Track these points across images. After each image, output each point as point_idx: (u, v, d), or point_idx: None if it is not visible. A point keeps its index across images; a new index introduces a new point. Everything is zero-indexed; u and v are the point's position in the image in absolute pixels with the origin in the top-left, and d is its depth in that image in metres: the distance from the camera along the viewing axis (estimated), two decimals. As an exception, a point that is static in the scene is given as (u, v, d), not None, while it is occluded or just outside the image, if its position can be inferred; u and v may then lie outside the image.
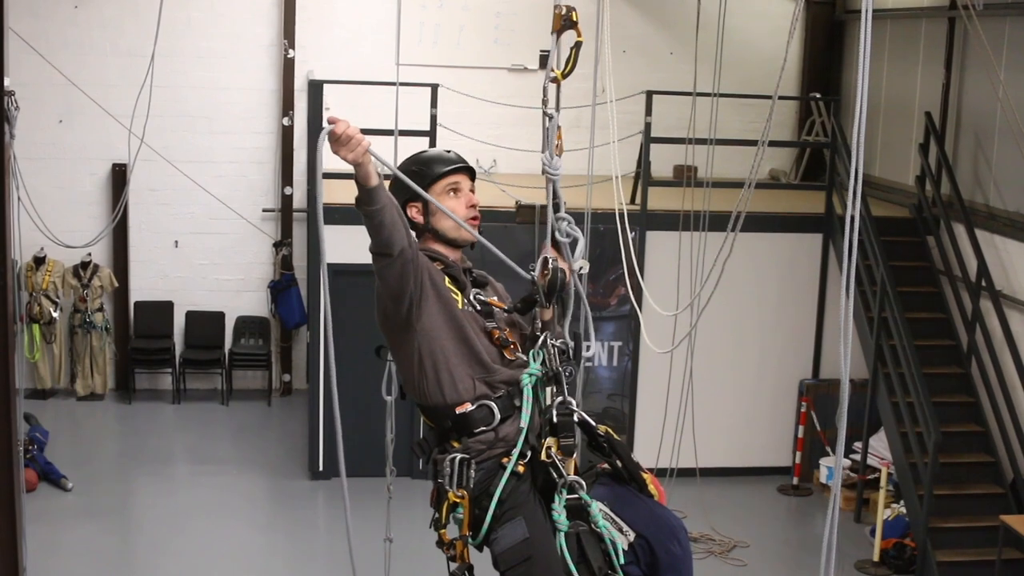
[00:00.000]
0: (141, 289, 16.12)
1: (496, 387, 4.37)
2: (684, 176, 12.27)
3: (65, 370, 15.87)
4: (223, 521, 11.97)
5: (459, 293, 4.54)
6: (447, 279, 4.54)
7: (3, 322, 9.25)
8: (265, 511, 12.60)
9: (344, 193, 13.52)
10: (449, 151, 4.79)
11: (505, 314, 4.61)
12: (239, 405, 15.94)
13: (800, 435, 13.55)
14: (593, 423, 4.48)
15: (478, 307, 4.55)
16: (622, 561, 4.22)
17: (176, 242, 16.13)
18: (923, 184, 13.33)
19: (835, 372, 13.66)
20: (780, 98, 9.44)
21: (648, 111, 13.15)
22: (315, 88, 13.31)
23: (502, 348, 4.50)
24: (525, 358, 4.47)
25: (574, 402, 4.40)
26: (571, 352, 4.50)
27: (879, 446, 12.57)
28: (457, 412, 4.32)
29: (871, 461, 12.55)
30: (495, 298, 4.69)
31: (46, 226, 10.61)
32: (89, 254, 15.23)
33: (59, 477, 12.58)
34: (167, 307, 16.15)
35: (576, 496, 4.21)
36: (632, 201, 13.11)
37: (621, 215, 10.22)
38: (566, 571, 4.13)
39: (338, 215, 12.87)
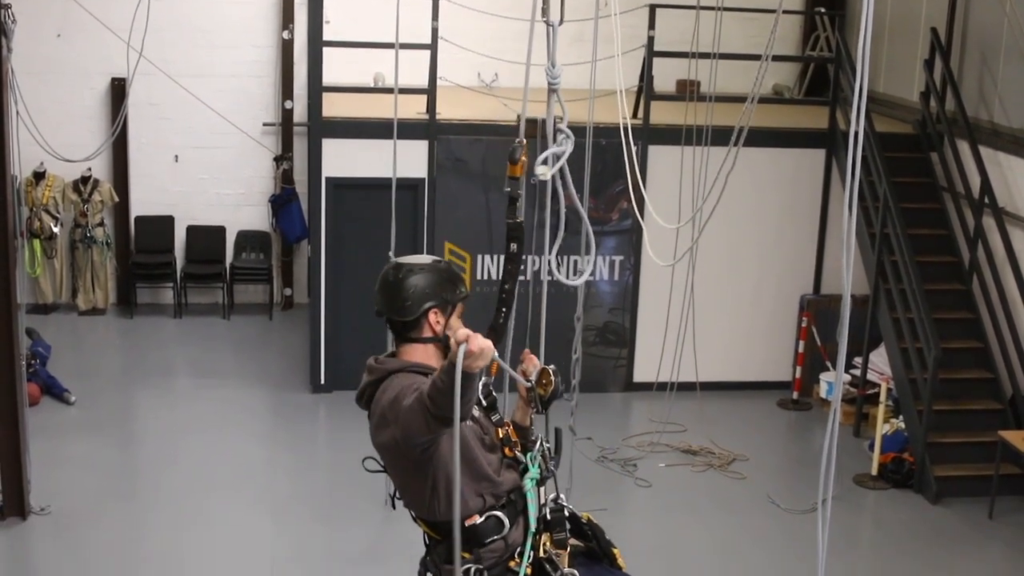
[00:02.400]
0: (141, 204, 16.09)
1: (500, 496, 4.39)
2: (687, 90, 12.19)
3: (66, 285, 15.88)
4: (225, 433, 12.04)
5: None
6: None
7: (3, 237, 9.27)
8: (266, 424, 12.66)
9: (344, 107, 13.49)
10: (457, 268, 4.66)
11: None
12: (240, 319, 15.98)
13: (800, 350, 13.59)
14: (578, 513, 4.60)
15: (477, 414, 4.49)
16: None
17: (176, 156, 16.06)
18: (927, 100, 13.23)
19: (836, 287, 13.67)
20: (784, 12, 9.37)
21: (651, 25, 13.02)
22: (315, 1, 13.17)
23: (503, 447, 4.51)
24: (522, 457, 4.49)
25: (564, 498, 4.51)
26: (555, 447, 4.55)
27: (879, 361, 12.60)
28: (467, 525, 4.29)
29: (871, 376, 12.59)
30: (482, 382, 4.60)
31: (45, 140, 10.57)
32: (89, 169, 15.19)
33: (62, 391, 12.63)
34: (168, 222, 16.13)
35: None
36: (634, 115, 13.05)
37: (624, 129, 10.17)
38: None
39: (339, 129, 12.84)
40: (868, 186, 12.51)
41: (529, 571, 4.31)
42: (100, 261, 15.67)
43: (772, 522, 10.40)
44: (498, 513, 4.33)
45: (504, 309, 4.41)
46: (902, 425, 11.78)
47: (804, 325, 13.61)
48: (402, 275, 4.43)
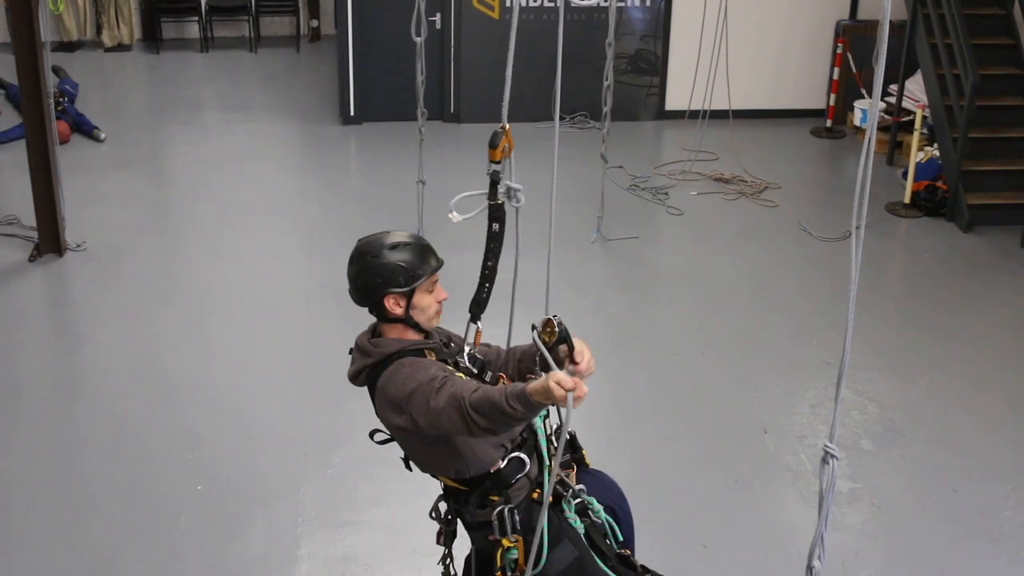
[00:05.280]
0: (161, -66, 15.80)
1: (515, 439, 4.52)
2: None
3: (90, 21, 15.72)
4: (255, 166, 12.06)
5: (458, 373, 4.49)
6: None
7: (22, -30, 9.10)
8: (297, 156, 12.66)
9: None
10: (426, 244, 4.55)
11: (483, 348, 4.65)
12: (267, 52, 15.84)
13: (835, 77, 13.42)
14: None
15: (475, 372, 4.56)
16: (620, 538, 4.69)
17: None
18: None
19: (873, 13, 13.40)
20: None
21: None
22: None
23: None
24: None
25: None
26: None
27: (915, 88, 12.42)
28: (492, 471, 4.47)
29: (906, 104, 12.44)
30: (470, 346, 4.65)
31: None
32: (106, -102, 14.88)
33: (91, 128, 12.63)
34: (188, -48, 15.87)
35: (580, 500, 4.63)
36: None
37: None
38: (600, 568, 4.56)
39: None
40: (909, -95, 12.11)
41: (551, 500, 4.51)
42: (122, -5, 15.47)
43: (803, 250, 10.43)
44: (518, 454, 4.50)
45: (487, 284, 4.56)
46: (936, 153, 11.67)
47: (839, 51, 13.39)
48: (352, 263, 4.55)
